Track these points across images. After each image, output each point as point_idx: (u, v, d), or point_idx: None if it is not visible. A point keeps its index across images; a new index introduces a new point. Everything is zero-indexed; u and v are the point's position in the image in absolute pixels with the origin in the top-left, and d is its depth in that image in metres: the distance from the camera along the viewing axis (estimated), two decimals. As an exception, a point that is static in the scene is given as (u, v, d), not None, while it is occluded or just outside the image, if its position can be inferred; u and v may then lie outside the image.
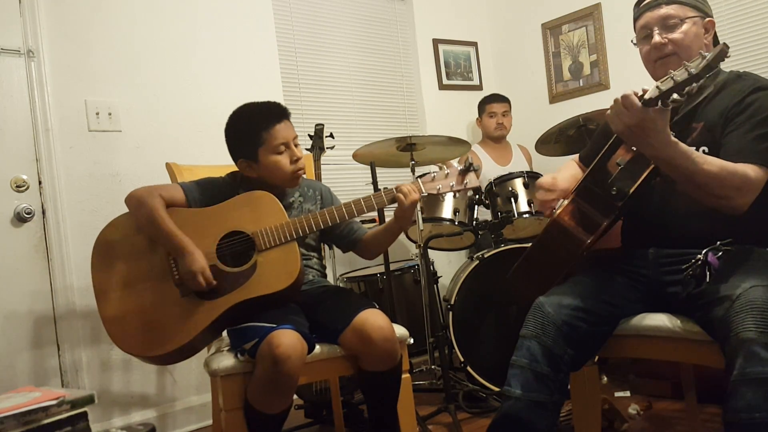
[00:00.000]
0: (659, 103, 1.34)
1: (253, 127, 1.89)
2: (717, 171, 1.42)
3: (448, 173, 1.89)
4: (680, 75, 1.32)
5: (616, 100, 1.41)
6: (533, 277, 1.66)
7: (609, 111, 1.43)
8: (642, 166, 1.55)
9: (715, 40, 1.70)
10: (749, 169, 1.45)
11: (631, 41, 1.74)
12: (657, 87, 1.34)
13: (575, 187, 1.61)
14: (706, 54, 1.31)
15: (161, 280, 1.81)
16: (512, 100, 3.89)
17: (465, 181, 1.88)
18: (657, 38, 1.63)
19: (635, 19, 1.73)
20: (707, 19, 1.67)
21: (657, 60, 1.65)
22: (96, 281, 1.83)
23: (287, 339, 1.63)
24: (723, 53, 1.31)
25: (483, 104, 3.79)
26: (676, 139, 1.41)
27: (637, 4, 1.74)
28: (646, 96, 1.35)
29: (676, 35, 1.62)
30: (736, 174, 1.43)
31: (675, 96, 1.32)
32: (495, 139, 3.77)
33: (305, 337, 1.69)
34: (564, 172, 1.87)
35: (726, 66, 1.59)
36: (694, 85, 1.31)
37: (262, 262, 1.79)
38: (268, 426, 1.73)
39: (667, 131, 1.39)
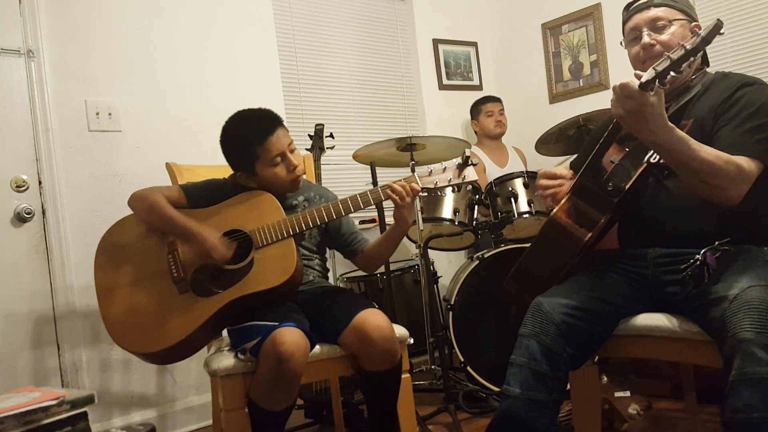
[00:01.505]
0: (656, 83, 1.35)
1: (246, 143, 1.88)
2: (713, 159, 1.44)
3: (445, 167, 1.89)
4: (676, 53, 1.34)
5: (614, 88, 1.43)
6: (530, 282, 1.66)
7: (615, 94, 1.44)
8: (636, 162, 1.57)
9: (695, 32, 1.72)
10: (743, 161, 1.47)
11: (620, 43, 1.78)
12: (653, 68, 1.36)
13: (571, 186, 1.62)
14: (700, 32, 1.33)
15: (160, 279, 1.82)
16: (512, 100, 3.89)
17: (463, 175, 1.87)
18: (646, 39, 1.66)
19: (624, 22, 1.76)
20: (693, 23, 1.69)
21: (645, 61, 1.67)
22: (98, 279, 1.85)
23: (291, 336, 1.63)
24: (717, 28, 1.32)
25: (478, 105, 3.80)
26: (672, 125, 1.43)
27: (626, 8, 1.77)
28: (643, 79, 1.37)
29: (664, 37, 1.65)
30: (730, 163, 1.45)
31: (672, 74, 1.34)
32: (494, 138, 3.77)
33: (307, 334, 1.70)
34: None
35: (725, 66, 1.60)
36: (692, 59, 1.34)
37: (259, 259, 1.80)
38: (272, 422, 1.74)
39: (664, 116, 1.41)
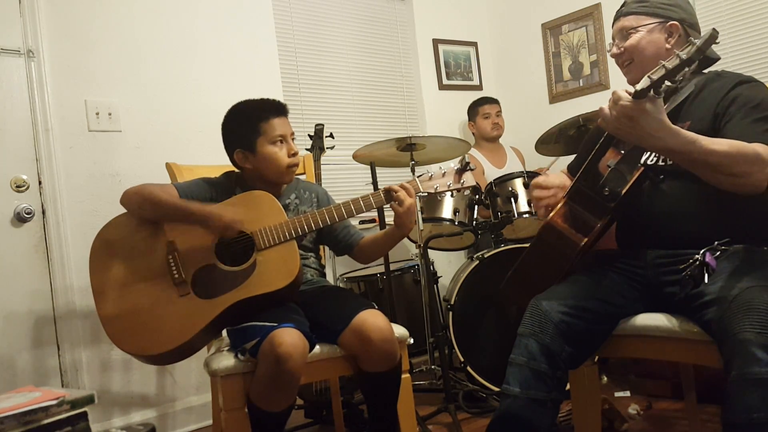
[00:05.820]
0: (651, 92, 1.35)
1: (252, 118, 1.94)
2: (727, 149, 1.41)
3: (445, 172, 1.91)
4: (671, 62, 1.34)
5: (609, 102, 1.41)
6: (528, 284, 1.66)
7: (605, 110, 1.44)
8: (632, 165, 1.56)
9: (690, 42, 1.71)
10: (758, 147, 1.43)
11: (607, 50, 1.82)
12: (648, 77, 1.36)
13: (567, 190, 1.62)
14: (695, 41, 1.32)
15: (160, 280, 1.81)
16: (512, 100, 3.89)
17: (462, 180, 1.91)
18: (614, 50, 1.76)
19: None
20: (670, 23, 1.68)
21: (621, 67, 1.76)
22: (94, 281, 1.82)
23: (289, 337, 1.63)
24: (712, 38, 1.32)
25: (474, 107, 3.81)
26: (678, 127, 1.41)
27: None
28: (638, 87, 1.36)
29: (627, 42, 1.72)
30: (746, 148, 1.42)
31: (667, 83, 1.34)
32: (491, 140, 3.77)
33: (306, 335, 1.70)
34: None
35: (726, 66, 1.59)
36: (686, 69, 1.34)
37: (262, 261, 1.80)
38: (272, 423, 1.73)
39: (666, 121, 1.39)
